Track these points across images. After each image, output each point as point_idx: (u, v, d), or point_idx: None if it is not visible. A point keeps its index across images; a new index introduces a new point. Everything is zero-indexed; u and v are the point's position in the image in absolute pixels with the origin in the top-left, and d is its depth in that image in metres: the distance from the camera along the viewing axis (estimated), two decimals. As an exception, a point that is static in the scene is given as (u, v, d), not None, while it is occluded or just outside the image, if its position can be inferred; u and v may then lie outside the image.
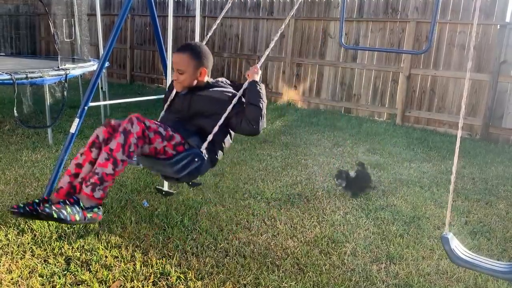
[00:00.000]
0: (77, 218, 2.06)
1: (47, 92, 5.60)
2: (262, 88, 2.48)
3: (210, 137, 2.42)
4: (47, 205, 2.06)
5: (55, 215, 2.00)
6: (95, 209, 2.14)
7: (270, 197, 4.20)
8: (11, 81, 4.90)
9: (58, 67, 5.68)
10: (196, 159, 2.35)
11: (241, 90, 2.50)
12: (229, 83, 2.71)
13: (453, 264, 3.04)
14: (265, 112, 2.45)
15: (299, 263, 3.06)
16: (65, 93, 5.61)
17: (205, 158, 2.42)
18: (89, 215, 2.11)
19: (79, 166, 2.29)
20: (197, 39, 3.50)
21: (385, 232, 3.60)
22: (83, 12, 6.81)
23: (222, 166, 5.04)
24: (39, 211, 2.03)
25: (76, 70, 5.94)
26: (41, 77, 5.22)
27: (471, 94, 7.34)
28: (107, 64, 5.31)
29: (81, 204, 2.12)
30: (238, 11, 10.05)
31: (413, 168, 5.37)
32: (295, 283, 2.83)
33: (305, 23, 9.08)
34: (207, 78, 2.61)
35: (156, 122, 2.37)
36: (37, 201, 2.19)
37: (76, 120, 3.66)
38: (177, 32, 10.79)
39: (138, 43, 11.81)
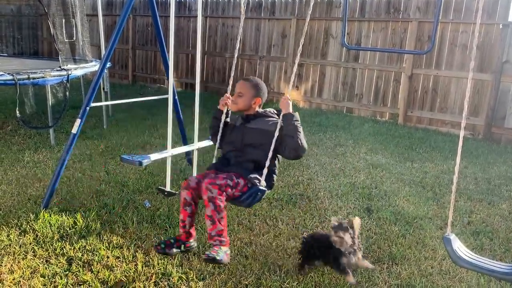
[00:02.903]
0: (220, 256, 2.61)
1: (49, 92, 5.60)
2: (296, 119, 2.81)
3: (265, 171, 2.79)
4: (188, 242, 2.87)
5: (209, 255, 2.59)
6: (227, 251, 2.69)
7: (271, 197, 4.19)
8: (13, 81, 4.91)
9: (60, 67, 5.68)
10: (258, 193, 2.80)
11: (279, 123, 2.80)
12: (276, 112, 3.02)
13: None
14: (302, 139, 2.79)
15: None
16: (67, 93, 5.62)
17: (265, 190, 2.83)
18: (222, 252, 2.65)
19: (183, 221, 2.87)
20: (199, 39, 3.50)
21: (387, 232, 3.59)
22: (83, 13, 6.80)
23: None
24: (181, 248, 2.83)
25: (78, 70, 5.95)
26: (43, 77, 5.23)
27: (473, 94, 7.32)
28: (109, 64, 5.32)
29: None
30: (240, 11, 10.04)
31: (415, 168, 5.36)
32: (297, 284, 2.82)
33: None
34: (257, 109, 3.04)
35: (224, 176, 2.77)
36: (172, 241, 2.87)
37: (78, 121, 3.66)
38: (179, 33, 10.80)
39: (140, 43, 11.83)
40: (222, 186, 2.68)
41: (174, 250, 2.85)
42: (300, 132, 2.80)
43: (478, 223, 3.88)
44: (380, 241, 3.44)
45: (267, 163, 2.77)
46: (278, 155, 2.98)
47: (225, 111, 3.10)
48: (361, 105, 8.56)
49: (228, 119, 3.17)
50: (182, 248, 2.88)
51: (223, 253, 2.62)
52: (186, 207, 2.85)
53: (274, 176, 3.00)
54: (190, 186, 2.83)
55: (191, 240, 2.92)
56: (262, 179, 2.80)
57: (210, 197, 2.64)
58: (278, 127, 2.78)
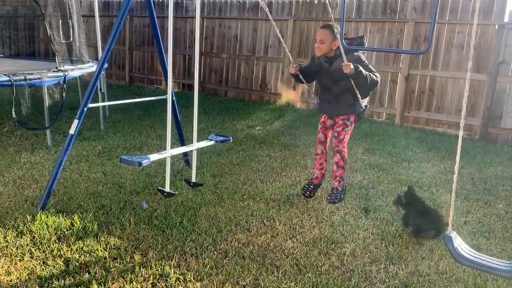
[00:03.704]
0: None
1: (46, 93, 5.59)
2: (359, 74, 3.49)
3: (358, 94, 3.68)
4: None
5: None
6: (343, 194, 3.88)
7: (269, 198, 4.20)
8: (10, 82, 4.90)
9: (57, 68, 5.67)
10: (366, 111, 3.86)
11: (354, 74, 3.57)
12: (346, 46, 3.41)
13: (453, 264, 3.05)
14: (370, 83, 3.58)
15: (298, 264, 3.06)
16: (63, 94, 5.61)
17: (368, 106, 3.82)
18: (342, 196, 3.88)
19: (321, 164, 4.01)
20: (197, 40, 3.50)
21: (384, 232, 3.60)
22: (80, 13, 6.79)
23: (221, 167, 5.04)
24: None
25: (74, 71, 5.94)
26: (39, 78, 5.21)
27: (470, 94, 7.34)
28: (106, 65, 5.31)
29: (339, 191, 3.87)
30: (237, 12, 10.05)
31: (412, 168, 5.37)
32: (294, 284, 2.82)
33: (304, 24, 9.08)
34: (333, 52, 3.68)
35: (341, 125, 3.79)
36: (312, 186, 4.02)
37: (75, 122, 3.65)
38: (176, 33, 10.78)
39: (137, 44, 11.81)
40: (345, 136, 3.70)
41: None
42: (367, 81, 3.51)
43: (474, 223, 3.89)
44: (377, 241, 3.45)
45: (357, 92, 3.60)
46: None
47: (298, 72, 3.85)
48: (358, 105, 8.57)
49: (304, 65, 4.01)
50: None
51: (339, 194, 3.79)
52: (322, 155, 3.97)
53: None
54: (322, 142, 3.95)
55: (321, 181, 4.06)
56: (362, 101, 3.66)
57: (337, 150, 3.75)
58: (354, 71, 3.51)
